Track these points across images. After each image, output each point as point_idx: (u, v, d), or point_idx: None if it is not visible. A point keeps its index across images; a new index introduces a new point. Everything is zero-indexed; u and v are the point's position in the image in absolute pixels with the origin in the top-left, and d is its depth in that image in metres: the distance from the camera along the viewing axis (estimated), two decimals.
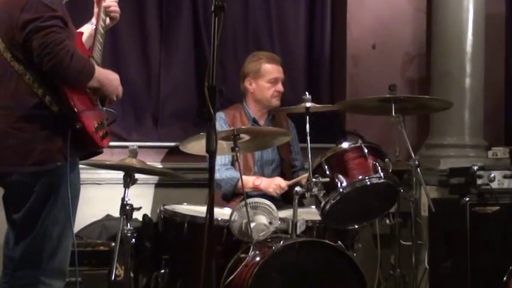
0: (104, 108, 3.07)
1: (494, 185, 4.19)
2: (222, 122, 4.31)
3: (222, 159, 4.22)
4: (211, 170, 2.64)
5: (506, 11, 5.55)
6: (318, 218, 3.66)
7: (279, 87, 4.37)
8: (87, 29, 3.28)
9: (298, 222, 3.54)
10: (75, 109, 2.88)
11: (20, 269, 2.95)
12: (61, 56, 2.79)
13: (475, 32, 4.96)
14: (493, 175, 4.18)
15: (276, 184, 4.13)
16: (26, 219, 2.93)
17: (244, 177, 4.14)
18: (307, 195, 3.61)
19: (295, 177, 4.27)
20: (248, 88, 4.41)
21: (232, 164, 4.28)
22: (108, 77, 3.07)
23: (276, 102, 4.37)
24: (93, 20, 3.27)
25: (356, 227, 3.79)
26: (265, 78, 4.35)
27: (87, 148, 3.05)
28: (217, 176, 4.00)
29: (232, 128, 3.79)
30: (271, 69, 4.36)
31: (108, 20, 3.24)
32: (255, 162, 4.36)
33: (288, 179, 4.21)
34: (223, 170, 4.21)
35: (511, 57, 5.59)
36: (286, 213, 3.68)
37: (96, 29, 3.18)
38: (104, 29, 3.20)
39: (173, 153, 4.81)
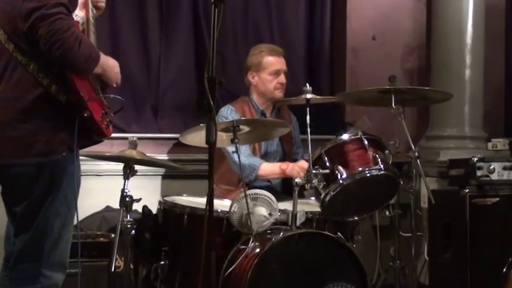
0: (112, 96, 3.06)
1: (494, 176, 4.18)
2: (233, 114, 4.29)
3: (245, 148, 4.18)
4: (210, 161, 2.64)
5: (506, 2, 5.55)
6: (318, 209, 3.66)
7: (282, 79, 4.36)
8: None
9: (298, 214, 3.54)
10: (84, 97, 2.87)
11: (20, 262, 2.93)
12: (70, 42, 2.77)
13: (475, 23, 4.96)
14: (492, 167, 4.17)
15: (299, 166, 4.06)
16: (27, 212, 2.91)
17: (268, 164, 4.15)
18: (307, 186, 3.60)
19: None
20: (251, 81, 4.40)
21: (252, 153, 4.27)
22: (108, 63, 3.05)
23: (279, 94, 4.36)
24: (77, 11, 3.21)
25: (356, 218, 3.79)
26: (267, 71, 4.34)
27: (92, 137, 3.03)
28: (243, 159, 3.94)
29: None
30: (272, 62, 4.35)
31: (95, 10, 3.21)
32: (261, 154, 4.36)
33: None
34: (247, 156, 4.18)
35: (511, 49, 5.58)
36: (286, 204, 3.68)
37: (87, 19, 3.16)
38: (93, 18, 3.17)
39: (173, 144, 4.81)
